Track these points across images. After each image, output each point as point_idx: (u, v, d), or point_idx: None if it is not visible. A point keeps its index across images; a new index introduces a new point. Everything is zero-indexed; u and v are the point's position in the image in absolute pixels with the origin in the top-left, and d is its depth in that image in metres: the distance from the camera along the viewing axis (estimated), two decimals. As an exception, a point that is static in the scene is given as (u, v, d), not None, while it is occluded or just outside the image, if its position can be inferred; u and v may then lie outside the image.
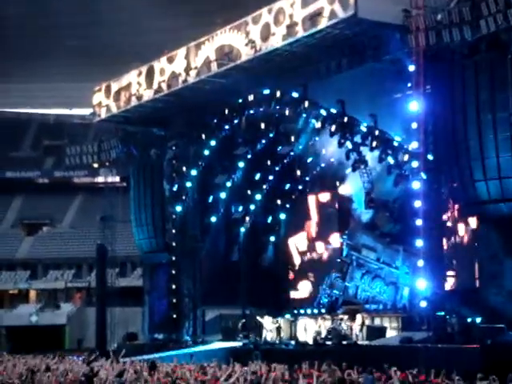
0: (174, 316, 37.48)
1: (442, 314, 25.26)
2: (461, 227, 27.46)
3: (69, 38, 61.24)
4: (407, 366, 21.03)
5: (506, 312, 23.79)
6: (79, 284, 54.88)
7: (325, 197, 36.31)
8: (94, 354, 29.92)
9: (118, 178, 50.64)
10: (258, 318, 34.55)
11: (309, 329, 33.29)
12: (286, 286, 37.79)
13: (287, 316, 34.75)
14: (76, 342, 50.71)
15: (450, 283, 27.33)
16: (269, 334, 33.64)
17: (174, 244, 38.14)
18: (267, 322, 34.00)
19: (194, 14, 54.67)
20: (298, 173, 36.79)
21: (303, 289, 36.77)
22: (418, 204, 26.01)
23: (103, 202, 46.57)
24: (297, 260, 37.70)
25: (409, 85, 26.34)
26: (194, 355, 29.24)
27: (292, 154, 36.00)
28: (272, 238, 38.85)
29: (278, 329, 33.56)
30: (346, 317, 31.74)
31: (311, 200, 36.98)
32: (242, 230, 38.49)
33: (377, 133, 30.69)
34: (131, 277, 52.51)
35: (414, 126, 26.37)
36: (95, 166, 44.99)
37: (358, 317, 31.24)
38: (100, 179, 54.67)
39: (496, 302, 24.16)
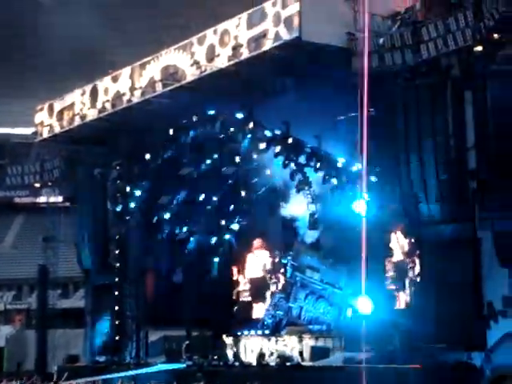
0: (117, 338, 37.03)
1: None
2: (402, 248, 27.84)
3: (17, 51, 60.28)
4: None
5: (445, 332, 24.09)
6: (19, 306, 53.83)
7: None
8: (34, 377, 29.42)
9: (60, 198, 49.98)
10: (224, 336, 34.42)
11: (252, 350, 33.25)
12: (230, 307, 37.70)
13: (230, 337, 34.67)
14: (15, 364, 49.65)
15: (393, 303, 27.64)
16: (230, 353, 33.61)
17: (117, 265, 37.78)
18: (229, 341, 33.95)
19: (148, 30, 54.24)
20: (243, 193, 36.86)
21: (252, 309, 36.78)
22: (361, 225, 26.25)
23: (45, 222, 46.02)
24: (241, 281, 37.71)
25: (352, 107, 26.64)
26: (137, 378, 28.93)
27: (236, 174, 36.06)
28: (216, 259, 38.75)
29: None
30: (289, 338, 31.81)
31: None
32: (186, 251, 38.32)
33: (321, 154, 30.98)
34: (73, 298, 51.74)
35: (357, 148, 26.66)
36: (37, 185, 44.44)
37: (303, 337, 31.35)
38: (42, 199, 53.93)
39: (433, 322, 24.45)
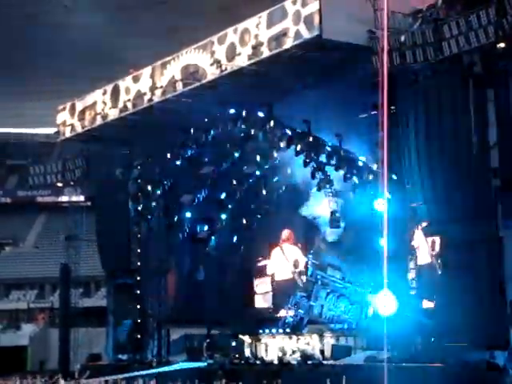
0: (138, 336, 37.21)
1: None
2: (424, 246, 27.67)
3: (39, 53, 60.66)
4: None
5: (467, 331, 23.96)
6: (42, 304, 54.27)
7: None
8: (56, 376, 29.64)
9: (82, 197, 50.32)
10: (240, 336, 34.39)
11: (273, 348, 33.23)
12: (251, 306, 37.66)
13: (252, 335, 34.66)
14: (38, 363, 50.04)
15: (416, 302, 27.48)
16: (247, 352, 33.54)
17: (138, 264, 37.95)
18: (250, 339, 33.90)
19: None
20: (264, 192, 36.86)
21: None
22: (382, 223, 26.17)
23: (67, 221, 46.35)
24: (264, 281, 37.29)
25: (374, 105, 26.56)
26: (159, 376, 29.05)
27: (257, 173, 36.08)
28: (237, 258, 38.77)
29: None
30: (310, 336, 31.77)
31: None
32: (207, 249, 38.40)
33: (342, 152, 30.92)
34: (95, 297, 52.12)
35: (378, 146, 26.57)
36: (59, 185, 44.73)
37: (324, 336, 31.30)
38: (64, 198, 54.33)
39: (456, 321, 24.32)
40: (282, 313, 34.33)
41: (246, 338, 34.19)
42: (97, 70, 49.90)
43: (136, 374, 31.40)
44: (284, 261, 35.96)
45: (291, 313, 34.29)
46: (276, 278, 35.85)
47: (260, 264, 36.78)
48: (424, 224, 27.02)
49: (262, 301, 36.68)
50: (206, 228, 38.16)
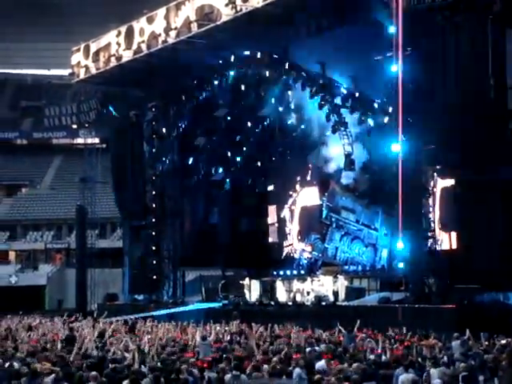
0: (154, 277, 37.64)
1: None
2: (439, 189, 27.59)
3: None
4: (385, 325, 21.35)
5: (482, 273, 24.03)
6: (59, 245, 54.82)
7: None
8: (74, 315, 30.10)
9: (97, 140, 50.37)
10: (246, 279, 34.75)
11: (288, 290, 33.57)
12: (266, 248, 37.95)
13: (266, 277, 35.01)
14: (56, 302, 50.83)
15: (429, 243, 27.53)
16: (254, 295, 33.91)
17: (153, 206, 38.17)
18: (254, 283, 34.26)
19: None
20: (278, 135, 36.75)
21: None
22: (397, 165, 26.11)
23: (82, 163, 46.47)
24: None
25: (389, 46, 26.22)
26: (175, 316, 29.46)
27: (272, 116, 35.91)
28: (252, 200, 38.90)
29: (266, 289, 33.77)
30: (324, 278, 32.04)
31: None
32: (222, 192, 38.54)
33: (357, 95, 30.69)
34: (111, 238, 52.54)
35: (394, 87, 26.32)
36: (74, 127, 44.78)
37: (338, 278, 31.56)
38: (79, 140, 54.37)
39: (474, 263, 24.38)
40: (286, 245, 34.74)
41: (262, 280, 34.56)
42: (111, 11, 49.41)
43: (152, 313, 31.85)
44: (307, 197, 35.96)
45: (306, 254, 34.58)
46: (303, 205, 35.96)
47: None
48: (438, 167, 26.91)
49: (271, 234, 37.22)
50: (220, 171, 38.26)
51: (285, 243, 36.93)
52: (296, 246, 36.02)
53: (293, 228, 36.83)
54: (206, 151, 37.37)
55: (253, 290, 34.30)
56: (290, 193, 36.96)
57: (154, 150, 38.24)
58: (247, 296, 34.07)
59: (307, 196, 36.42)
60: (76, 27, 55.35)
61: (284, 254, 36.83)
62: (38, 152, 60.35)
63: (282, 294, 33.48)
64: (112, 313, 31.27)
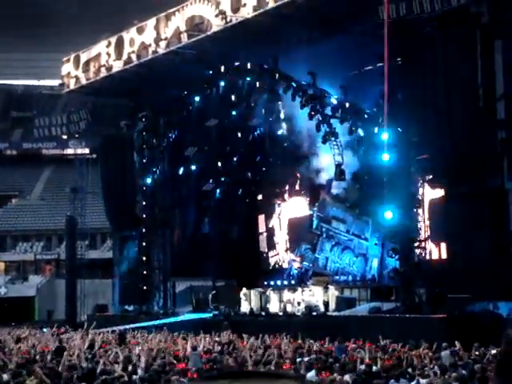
0: (145, 288, 37.53)
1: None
2: (428, 199, 27.68)
3: (30, 7, 60.08)
4: (375, 335, 21.35)
5: (472, 282, 24.07)
6: (49, 256, 54.60)
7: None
8: (64, 327, 29.97)
9: (87, 150, 50.31)
10: (244, 289, 34.64)
11: (278, 300, 33.50)
12: (256, 258, 37.93)
13: (257, 288, 34.93)
14: (46, 313, 50.59)
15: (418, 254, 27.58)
16: (252, 305, 33.77)
17: (144, 216, 38.11)
18: (252, 293, 34.16)
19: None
20: (268, 145, 36.78)
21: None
22: (387, 176, 26.19)
23: (72, 173, 46.39)
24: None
25: (379, 57, 26.33)
26: (165, 327, 29.35)
27: (262, 126, 35.97)
28: (242, 210, 38.88)
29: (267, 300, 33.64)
30: (315, 288, 32.00)
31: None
32: (212, 202, 38.51)
33: (347, 105, 30.77)
34: (101, 249, 52.37)
35: (384, 98, 26.42)
36: (64, 137, 44.66)
37: (328, 288, 31.53)
38: (69, 151, 54.33)
39: (463, 273, 24.41)
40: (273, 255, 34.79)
41: (253, 290, 34.47)
42: (100, 22, 49.41)
43: (143, 324, 31.73)
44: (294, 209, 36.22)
45: (296, 264, 34.53)
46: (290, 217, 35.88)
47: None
48: (428, 177, 27.01)
49: (261, 243, 37.21)
50: (211, 181, 38.25)
51: (270, 253, 36.95)
52: (283, 256, 36.01)
53: (281, 237, 36.86)
54: (197, 161, 37.36)
55: (251, 300, 34.13)
56: (279, 202, 37.02)
57: (144, 161, 38.21)
58: (243, 307, 33.82)
59: (295, 206, 36.50)
60: (66, 38, 55.27)
61: (272, 263, 36.80)
62: (28, 163, 60.15)
63: (273, 305, 33.43)
64: (102, 324, 31.15)
